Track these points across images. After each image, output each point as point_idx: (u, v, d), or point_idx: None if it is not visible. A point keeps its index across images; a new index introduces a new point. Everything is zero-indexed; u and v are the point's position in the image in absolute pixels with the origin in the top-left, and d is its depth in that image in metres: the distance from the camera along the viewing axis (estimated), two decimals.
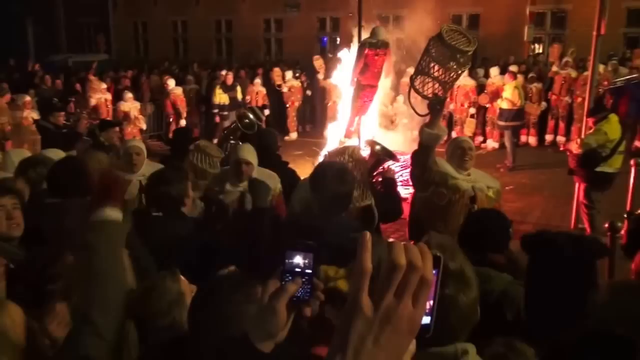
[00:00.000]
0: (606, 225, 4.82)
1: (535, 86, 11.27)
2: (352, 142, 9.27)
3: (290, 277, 1.12)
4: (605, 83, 10.64)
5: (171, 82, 12.09)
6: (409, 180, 4.13)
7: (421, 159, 3.79)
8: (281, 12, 18.48)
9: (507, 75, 10.33)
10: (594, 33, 6.45)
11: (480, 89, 11.61)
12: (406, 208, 4.23)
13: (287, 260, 1.14)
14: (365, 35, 8.98)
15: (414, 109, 3.95)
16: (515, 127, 10.29)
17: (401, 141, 11.26)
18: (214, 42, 20.40)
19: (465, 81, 11.61)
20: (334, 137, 10.52)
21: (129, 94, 11.02)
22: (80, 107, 10.65)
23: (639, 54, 11.28)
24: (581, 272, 1.98)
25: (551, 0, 14.54)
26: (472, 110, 11.40)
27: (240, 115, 6.17)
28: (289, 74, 13.20)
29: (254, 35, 19.19)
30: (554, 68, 11.72)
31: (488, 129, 11.53)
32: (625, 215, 3.95)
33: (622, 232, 5.19)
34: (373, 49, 8.69)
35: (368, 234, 0.83)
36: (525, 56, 14.23)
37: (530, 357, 1.63)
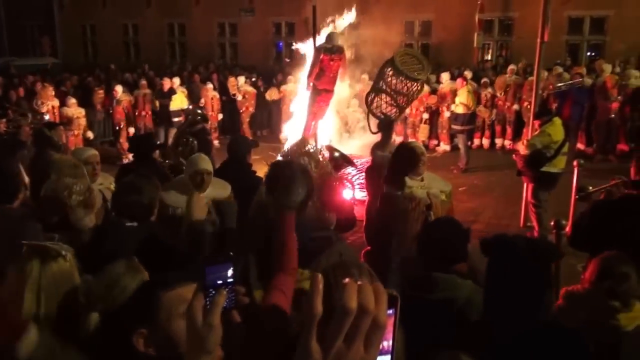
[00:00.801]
0: (552, 223, 5.06)
1: (488, 92, 11.69)
2: (309, 146, 9.36)
3: (213, 291, 1.14)
4: (551, 87, 11.14)
5: (119, 89, 11.73)
6: (364, 189, 4.17)
7: (374, 176, 3.85)
8: (236, 16, 18.42)
9: (459, 80, 10.64)
10: (538, 40, 6.76)
11: (434, 94, 11.94)
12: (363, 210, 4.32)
13: (207, 276, 1.17)
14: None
15: (369, 126, 4.02)
16: (469, 130, 10.62)
17: (358, 145, 11.47)
18: (167, 46, 20.13)
19: (445, 85, 11.94)
20: (291, 142, 10.59)
21: (72, 100, 10.74)
22: (24, 114, 10.22)
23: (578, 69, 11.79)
24: (537, 274, 2.05)
25: (499, 9, 15.10)
26: (426, 116, 11.70)
27: (189, 113, 6.17)
28: (241, 80, 13.12)
29: (208, 40, 19.05)
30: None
31: (440, 132, 11.85)
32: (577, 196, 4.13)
33: (567, 228, 5.48)
34: (328, 54, 8.81)
35: (319, 276, 0.80)
36: (475, 62, 14.73)
37: None
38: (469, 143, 10.87)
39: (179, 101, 11.82)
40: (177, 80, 12.42)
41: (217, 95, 12.81)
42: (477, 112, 11.07)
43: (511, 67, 12.05)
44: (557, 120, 6.55)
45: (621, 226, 3.15)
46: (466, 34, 14.28)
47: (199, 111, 9.32)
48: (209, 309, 1.12)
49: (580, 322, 2.26)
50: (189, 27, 19.43)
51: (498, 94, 11.65)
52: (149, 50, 19.88)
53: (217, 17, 18.83)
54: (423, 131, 11.49)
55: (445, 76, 11.76)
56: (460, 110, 10.34)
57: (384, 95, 3.86)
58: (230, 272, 1.19)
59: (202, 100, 12.58)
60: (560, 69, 11.70)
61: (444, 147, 11.74)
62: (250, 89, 13.18)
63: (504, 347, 1.95)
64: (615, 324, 2.26)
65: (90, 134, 10.82)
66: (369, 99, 3.98)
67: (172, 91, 11.88)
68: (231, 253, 1.23)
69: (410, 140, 9.60)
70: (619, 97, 10.56)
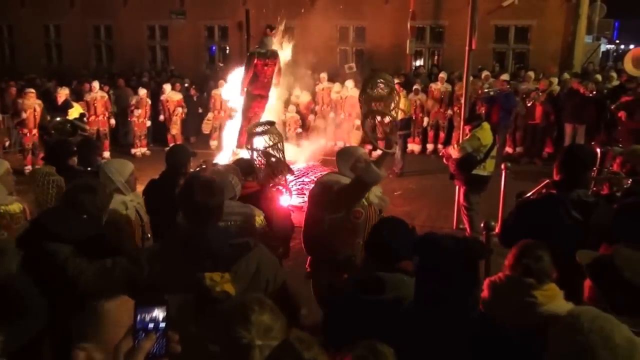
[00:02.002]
0: (482, 224, 5.18)
1: (419, 98, 11.96)
2: (244, 152, 9.20)
3: (143, 335, 1.11)
4: (479, 93, 11.53)
5: (31, 95, 10.58)
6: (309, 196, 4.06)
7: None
8: (166, 19, 17.90)
9: (395, 86, 10.79)
10: (466, 48, 6.95)
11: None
12: (302, 216, 4.21)
13: (138, 318, 1.13)
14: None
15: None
16: (404, 135, 10.78)
17: (293, 151, 11.40)
18: (92, 48, 19.28)
19: (352, 92, 12.04)
20: (226, 148, 10.37)
21: None
22: None
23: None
24: (465, 271, 2.09)
25: (430, 16, 15.51)
26: (357, 122, 11.80)
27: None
28: (167, 87, 12.66)
29: (138, 43, 18.42)
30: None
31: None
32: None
33: (497, 229, 5.63)
34: (262, 59, 8.69)
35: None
36: (408, 69, 15.04)
37: (390, 357, 1.67)
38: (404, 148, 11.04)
39: (76, 115, 10.51)
40: (96, 84, 11.83)
41: (149, 102, 12.36)
42: (428, 107, 11.25)
43: (441, 75, 12.38)
44: (486, 125, 6.76)
45: (542, 224, 3.23)
46: (399, 41, 14.57)
47: (72, 123, 8.71)
48: (133, 353, 1.08)
49: (504, 309, 2.31)
50: (117, 29, 18.69)
51: (430, 102, 11.97)
52: (72, 53, 18.95)
53: (147, 20, 18.23)
54: (355, 136, 11.58)
55: None
56: (399, 116, 10.43)
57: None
58: (162, 316, 1.14)
59: (135, 108, 12.12)
60: (487, 73, 12.17)
61: (378, 151, 11.87)
62: (177, 95, 12.73)
63: (434, 341, 1.97)
64: (532, 301, 2.31)
65: (6, 141, 10.16)
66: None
67: (67, 104, 10.39)
68: (166, 297, 1.17)
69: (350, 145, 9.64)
70: (541, 97, 11.05)
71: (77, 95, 12.16)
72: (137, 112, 12.04)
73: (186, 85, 13.86)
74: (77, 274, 2.74)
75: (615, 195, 3.80)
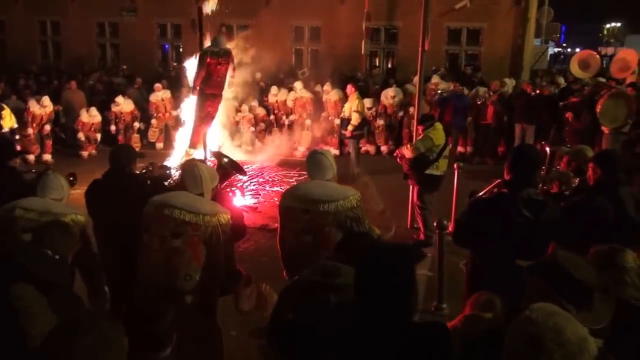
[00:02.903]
0: (435, 223, 5.22)
1: (373, 100, 12.03)
2: (198, 153, 9.01)
3: None
4: (433, 94, 11.70)
5: None
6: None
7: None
8: (117, 15, 17.38)
9: (349, 87, 10.76)
10: (419, 49, 7.01)
11: (319, 101, 12.17)
12: (256, 217, 4.13)
13: None
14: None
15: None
16: (359, 136, 10.80)
17: (247, 151, 11.27)
18: (38, 45, 18.51)
19: (302, 93, 12.01)
20: (179, 148, 10.14)
21: None
22: None
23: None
24: (400, 277, 2.07)
25: (384, 17, 15.62)
26: (308, 122, 11.76)
27: None
28: (120, 99, 12.23)
29: (87, 40, 17.80)
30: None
31: (330, 138, 12.02)
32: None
33: (450, 228, 5.69)
34: (215, 57, 8.52)
35: None
36: (363, 69, 15.11)
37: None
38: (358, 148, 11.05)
39: (8, 121, 10.16)
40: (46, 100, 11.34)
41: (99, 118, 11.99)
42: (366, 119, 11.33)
43: (390, 92, 12.26)
44: (439, 125, 6.83)
45: (494, 222, 3.27)
46: (354, 41, 14.61)
47: None
48: None
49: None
50: (65, 25, 18.00)
51: (387, 102, 12.05)
52: (17, 50, 18.14)
53: (96, 16, 17.64)
54: (305, 137, 11.52)
55: (327, 86, 12.00)
56: (354, 117, 10.36)
57: None
58: None
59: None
60: (437, 78, 12.37)
61: (334, 151, 11.88)
62: (130, 107, 12.39)
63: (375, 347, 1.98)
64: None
65: None
66: None
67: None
68: None
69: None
70: (492, 97, 11.29)
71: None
72: (81, 135, 11.80)
73: (136, 87, 13.54)
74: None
75: (564, 193, 3.88)
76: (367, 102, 11.72)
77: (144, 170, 4.26)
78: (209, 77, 8.62)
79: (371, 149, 12.34)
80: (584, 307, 2.02)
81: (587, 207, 3.43)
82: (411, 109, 11.12)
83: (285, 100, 12.34)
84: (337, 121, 11.60)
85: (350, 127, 10.28)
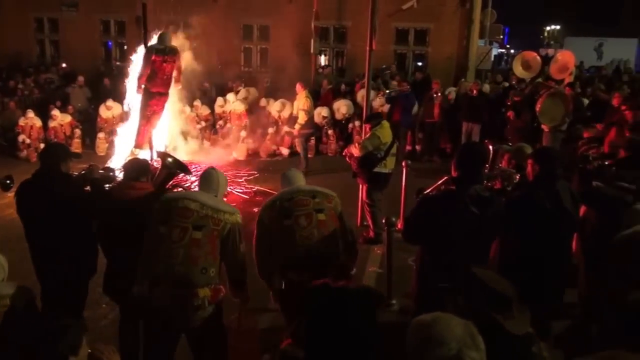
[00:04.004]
0: (383, 220, 5.26)
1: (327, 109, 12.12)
2: (143, 152, 8.77)
3: None
4: (381, 93, 11.81)
5: None
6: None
7: None
8: (56, 11, 16.69)
9: (298, 86, 10.72)
10: (367, 48, 7.05)
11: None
12: None
13: None
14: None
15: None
16: (307, 134, 10.79)
17: (195, 150, 11.06)
18: None
19: (234, 106, 11.91)
20: (123, 148, 9.85)
21: None
22: None
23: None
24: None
25: (333, 17, 15.67)
26: (243, 134, 11.67)
27: None
28: (56, 112, 11.76)
29: (24, 36, 17.01)
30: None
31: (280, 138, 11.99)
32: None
33: (399, 225, 5.75)
34: (160, 55, 8.31)
35: None
36: (313, 68, 15.11)
37: None
38: (307, 146, 11.03)
39: None
40: None
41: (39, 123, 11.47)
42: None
43: (342, 104, 12.39)
44: (386, 124, 6.90)
45: (443, 219, 3.33)
46: (304, 40, 14.58)
47: None
48: None
49: None
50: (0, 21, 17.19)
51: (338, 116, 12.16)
52: None
53: (34, 11, 16.90)
54: (240, 149, 11.41)
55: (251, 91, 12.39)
56: (301, 115, 10.35)
57: None
58: None
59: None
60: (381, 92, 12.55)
61: (285, 151, 11.84)
62: (68, 118, 11.93)
63: None
64: None
65: None
66: None
67: None
68: None
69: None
70: (439, 96, 11.52)
71: None
72: (21, 138, 11.23)
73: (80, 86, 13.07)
74: None
75: (507, 189, 3.98)
76: (324, 111, 11.78)
77: (83, 172, 4.08)
78: (154, 75, 8.41)
79: (322, 147, 12.37)
80: (508, 316, 2.12)
81: (527, 201, 3.54)
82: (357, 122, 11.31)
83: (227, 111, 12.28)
84: (286, 128, 11.66)
85: (297, 126, 10.26)
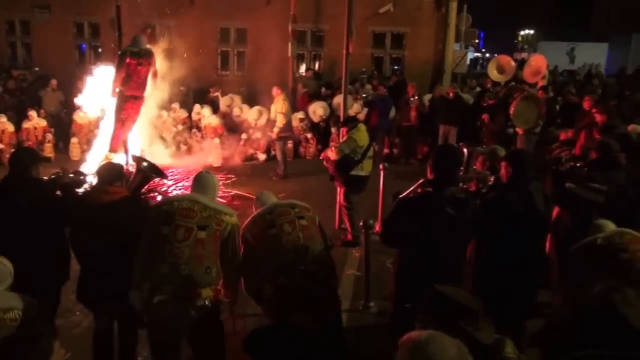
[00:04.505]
0: (361, 223, 5.27)
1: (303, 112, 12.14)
2: (118, 157, 8.65)
3: None
4: (358, 97, 11.87)
5: None
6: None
7: None
8: (28, 13, 16.37)
9: (275, 89, 10.68)
10: (344, 52, 7.08)
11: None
12: None
13: None
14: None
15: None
16: (286, 137, 10.77)
17: (171, 154, 10.96)
18: None
19: (211, 120, 11.91)
20: (98, 152, 9.70)
21: None
22: None
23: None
24: None
25: (310, 20, 15.69)
26: (217, 141, 11.61)
27: None
28: (33, 114, 11.58)
29: None
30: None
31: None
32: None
33: (377, 227, 5.77)
34: (135, 58, 8.21)
35: None
36: (291, 71, 15.09)
37: None
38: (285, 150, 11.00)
39: None
40: None
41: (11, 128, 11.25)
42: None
43: (319, 109, 12.46)
44: (362, 127, 6.92)
45: (420, 221, 3.36)
46: (281, 44, 14.58)
47: None
48: None
49: None
50: None
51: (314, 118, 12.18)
52: None
53: (5, 13, 16.54)
54: (215, 155, 11.35)
55: (228, 100, 12.43)
56: (280, 118, 10.30)
57: None
58: None
59: None
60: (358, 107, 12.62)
61: (262, 156, 11.80)
62: (43, 123, 11.73)
63: None
64: None
65: None
66: None
67: None
68: None
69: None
70: (415, 99, 11.61)
71: None
72: None
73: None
74: None
75: (482, 191, 4.03)
76: (300, 114, 11.78)
77: (53, 176, 4.00)
78: (129, 78, 8.31)
79: (301, 150, 12.37)
80: (476, 327, 2.19)
81: (500, 203, 3.59)
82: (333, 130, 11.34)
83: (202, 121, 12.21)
84: (258, 134, 11.62)
85: (276, 130, 10.23)
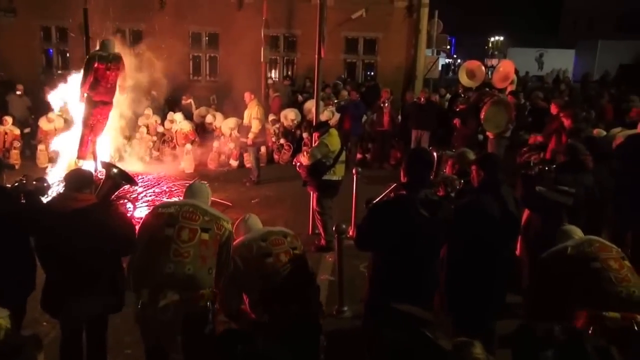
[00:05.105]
0: (334, 228, 5.26)
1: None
2: (87, 163, 8.47)
3: None
4: (330, 103, 11.89)
5: None
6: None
7: None
8: None
9: (247, 95, 10.61)
10: (316, 57, 7.08)
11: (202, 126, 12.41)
12: None
13: None
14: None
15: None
16: (260, 143, 10.70)
17: (143, 161, 10.80)
18: None
19: (182, 125, 11.80)
20: (66, 159, 9.48)
21: None
22: None
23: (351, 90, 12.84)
24: None
25: (283, 25, 15.70)
26: (189, 147, 11.51)
27: None
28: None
29: None
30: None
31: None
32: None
33: (350, 232, 5.76)
34: (103, 62, 8.06)
35: None
36: (264, 76, 15.05)
37: None
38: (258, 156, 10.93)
39: None
40: None
41: None
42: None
43: (291, 114, 12.46)
44: (334, 132, 6.92)
45: (395, 224, 3.37)
46: (254, 49, 14.53)
47: None
48: None
49: None
50: None
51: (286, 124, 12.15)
52: None
53: None
54: (187, 161, 11.24)
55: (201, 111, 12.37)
56: (255, 124, 10.21)
57: None
58: None
59: None
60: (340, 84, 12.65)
61: (234, 162, 11.71)
62: (17, 131, 11.48)
63: None
64: None
65: None
66: None
67: None
68: None
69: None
70: (387, 105, 11.68)
71: None
72: None
73: (18, 93, 12.54)
74: None
75: (450, 195, 4.05)
76: (271, 116, 11.74)
77: (16, 184, 3.88)
78: (97, 83, 8.14)
79: (275, 156, 12.32)
80: (436, 336, 2.31)
81: (476, 206, 3.62)
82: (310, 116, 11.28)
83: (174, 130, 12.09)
84: (231, 145, 11.58)
85: (251, 135, 10.16)
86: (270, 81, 14.84)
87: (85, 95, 8.24)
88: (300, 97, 13.45)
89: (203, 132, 12.32)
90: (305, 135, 11.64)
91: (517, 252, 4.76)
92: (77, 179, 3.83)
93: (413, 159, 3.59)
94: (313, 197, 7.07)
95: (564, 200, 4.35)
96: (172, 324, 3.37)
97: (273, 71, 16.46)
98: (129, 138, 11.09)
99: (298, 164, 6.93)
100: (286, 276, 3.64)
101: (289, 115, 12.24)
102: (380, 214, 3.49)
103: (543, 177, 4.71)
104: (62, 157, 9.56)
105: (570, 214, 4.41)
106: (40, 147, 11.29)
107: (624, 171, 5.41)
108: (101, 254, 3.56)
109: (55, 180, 7.56)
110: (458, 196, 3.84)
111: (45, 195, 4.02)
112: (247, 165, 10.61)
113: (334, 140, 6.75)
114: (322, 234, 6.91)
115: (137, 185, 6.54)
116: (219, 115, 12.40)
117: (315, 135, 6.97)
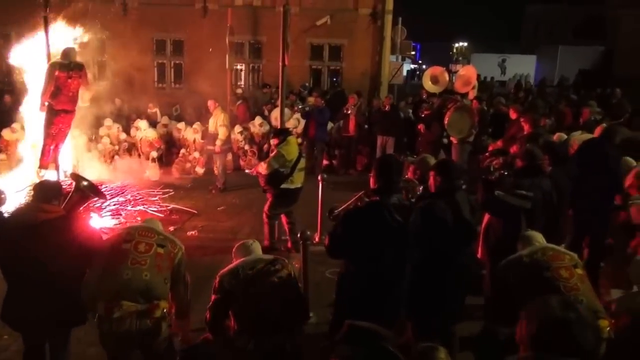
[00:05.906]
0: (299, 234, 5.28)
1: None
2: (49, 173, 8.29)
3: None
4: (295, 109, 11.94)
5: None
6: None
7: None
8: None
9: (211, 103, 10.54)
10: (280, 64, 7.12)
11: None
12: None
13: None
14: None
15: None
16: (227, 150, 10.65)
17: (106, 169, 10.60)
18: None
19: (147, 133, 11.69)
20: (28, 169, 9.25)
21: None
22: None
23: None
24: None
25: (248, 32, 15.69)
26: (154, 154, 11.40)
27: None
28: None
29: None
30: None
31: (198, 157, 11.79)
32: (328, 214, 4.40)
33: (316, 238, 5.79)
34: (64, 71, 7.92)
35: None
36: (229, 83, 14.99)
37: None
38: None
39: None
40: None
41: None
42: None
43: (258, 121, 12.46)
44: (292, 140, 6.91)
45: (369, 230, 3.44)
46: (219, 55, 14.48)
47: None
48: None
49: None
50: None
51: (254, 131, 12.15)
52: None
53: None
54: (153, 169, 11.11)
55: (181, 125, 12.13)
56: (222, 131, 10.15)
57: None
58: None
59: None
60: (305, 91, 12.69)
61: (200, 170, 11.61)
62: None
63: None
64: None
65: None
66: None
67: None
68: None
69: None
70: (353, 111, 11.79)
71: None
72: None
73: None
74: None
75: (411, 200, 4.13)
76: (238, 127, 11.70)
77: None
78: (59, 91, 7.99)
79: (241, 163, 12.27)
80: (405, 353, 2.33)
81: (428, 212, 3.70)
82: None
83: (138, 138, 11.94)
84: (196, 154, 11.51)
85: (218, 142, 10.11)
86: (239, 90, 14.77)
87: (47, 104, 8.08)
88: (265, 111, 13.35)
89: (168, 139, 12.19)
90: (272, 141, 11.66)
91: (479, 255, 4.87)
92: (45, 190, 3.77)
93: (383, 164, 3.67)
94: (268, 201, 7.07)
95: (522, 204, 4.47)
96: (129, 336, 3.36)
97: (243, 79, 16.42)
98: (90, 148, 10.89)
99: (256, 173, 6.94)
100: (271, 304, 3.50)
101: (256, 121, 12.25)
102: (354, 221, 3.53)
103: (502, 181, 4.83)
104: (23, 168, 9.32)
105: (529, 218, 4.53)
106: (1, 156, 11.00)
107: (583, 176, 5.57)
108: (66, 266, 3.51)
109: (12, 190, 7.39)
110: (417, 202, 3.92)
111: (3, 207, 3.94)
112: (216, 172, 10.55)
113: (292, 149, 6.74)
114: (266, 236, 6.98)
115: (106, 198, 6.41)
116: (181, 125, 12.32)
117: (273, 141, 6.95)
